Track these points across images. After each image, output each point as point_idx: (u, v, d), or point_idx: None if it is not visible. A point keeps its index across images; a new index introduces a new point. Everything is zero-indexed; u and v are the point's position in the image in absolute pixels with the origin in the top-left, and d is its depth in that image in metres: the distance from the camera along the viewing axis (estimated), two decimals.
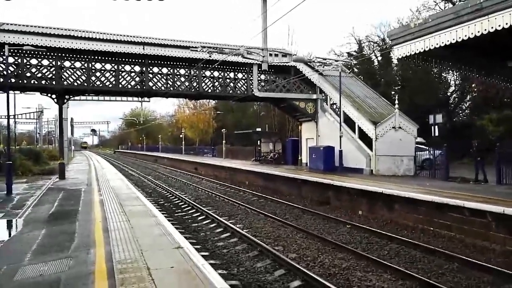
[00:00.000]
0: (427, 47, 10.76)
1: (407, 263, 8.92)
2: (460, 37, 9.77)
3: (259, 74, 24.70)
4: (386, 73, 39.23)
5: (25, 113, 54.51)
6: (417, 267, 8.66)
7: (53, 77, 20.40)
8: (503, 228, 9.58)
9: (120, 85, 21.80)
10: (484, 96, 31.02)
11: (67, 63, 20.84)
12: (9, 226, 10.22)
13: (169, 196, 20.78)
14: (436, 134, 18.76)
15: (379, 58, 41.15)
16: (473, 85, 34.10)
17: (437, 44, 10.43)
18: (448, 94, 38.71)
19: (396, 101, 21.24)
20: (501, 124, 26.39)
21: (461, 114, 39.11)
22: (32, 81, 20.09)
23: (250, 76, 24.40)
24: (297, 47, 54.14)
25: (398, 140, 20.67)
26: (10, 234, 9.35)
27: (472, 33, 9.47)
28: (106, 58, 21.41)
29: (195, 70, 22.98)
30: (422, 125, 21.72)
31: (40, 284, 5.71)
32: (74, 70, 20.98)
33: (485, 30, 9.14)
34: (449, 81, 38.73)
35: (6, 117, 16.93)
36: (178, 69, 23.07)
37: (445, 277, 8.04)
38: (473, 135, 25.53)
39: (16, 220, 10.69)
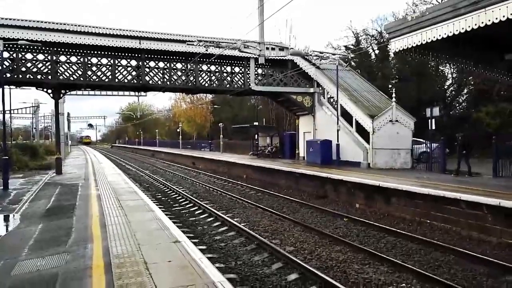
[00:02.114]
0: (424, 40, 10.72)
1: (404, 256, 8.96)
2: (457, 30, 9.73)
3: (256, 68, 24.61)
4: (383, 67, 39.17)
5: (21, 108, 54.25)
6: (414, 259, 8.71)
7: (49, 71, 20.27)
8: (500, 220, 9.64)
9: (117, 80, 21.68)
10: (481, 89, 31.06)
11: (62, 58, 20.70)
12: (6, 221, 10.22)
13: (166, 190, 20.76)
14: (433, 127, 18.78)
15: (376, 52, 41.08)
16: (470, 78, 34.15)
17: (434, 37, 10.39)
18: (445, 87, 38.73)
19: (393, 95, 21.24)
20: (497, 117, 26.46)
21: (458, 107, 39.16)
22: (27, 76, 19.96)
23: (247, 70, 24.31)
24: (294, 41, 53.98)
25: (395, 133, 20.69)
26: (7, 229, 9.35)
27: (469, 26, 9.43)
28: (102, 53, 21.27)
29: (191, 64, 22.87)
30: (419, 118, 21.74)
31: (37, 279, 5.71)
32: (70, 64, 20.84)
33: (482, 23, 9.11)
34: (446, 74, 38.73)
35: (2, 112, 16.80)
36: (174, 63, 22.95)
37: (442, 269, 8.08)
38: (470, 128, 25.61)
39: (13, 215, 10.68)
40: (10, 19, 19.41)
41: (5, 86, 17.97)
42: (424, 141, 21.43)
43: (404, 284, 7.29)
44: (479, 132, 26.25)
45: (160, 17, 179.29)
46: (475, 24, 9.28)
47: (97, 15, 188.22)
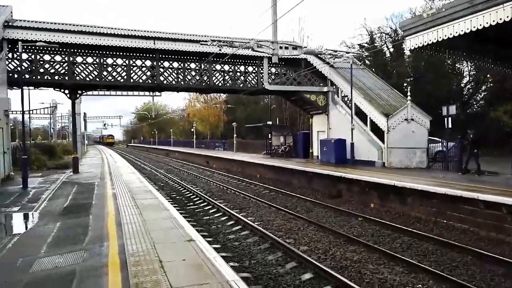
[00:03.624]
0: (440, 37, 10.55)
1: (420, 256, 8.85)
2: (474, 27, 9.55)
3: (269, 67, 24.56)
4: (398, 65, 38.70)
5: (40, 108, 55.19)
6: (430, 260, 8.60)
7: (66, 72, 20.63)
8: None
9: (132, 80, 21.94)
10: (500, 87, 30.39)
11: (79, 59, 21.04)
12: (26, 219, 10.43)
13: (181, 189, 20.93)
14: (450, 126, 18.45)
15: (391, 50, 40.63)
16: (488, 76, 33.45)
17: (450, 34, 10.22)
18: (462, 85, 38.04)
19: (409, 93, 20.94)
20: None
21: (475, 105, 38.41)
22: (45, 77, 20.36)
23: (260, 69, 24.30)
24: (308, 39, 53.69)
25: (410, 132, 20.42)
26: (26, 227, 9.55)
27: (487, 23, 9.25)
28: (118, 53, 21.54)
29: (205, 64, 22.98)
30: (435, 116, 21.38)
31: (55, 275, 5.82)
32: (86, 65, 21.17)
33: (501, 19, 8.92)
34: (463, 71, 38.04)
35: (21, 112, 17.18)
36: (188, 63, 23.09)
37: (459, 270, 7.96)
38: (487, 127, 25.04)
39: (32, 213, 10.89)
40: (29, 21, 19.88)
41: (24, 87, 18.37)
42: (440, 140, 21.08)
43: (420, 285, 7.20)
44: (497, 131, 25.70)
45: (159, 17, 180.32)
46: (493, 21, 9.09)
47: (97, 15, 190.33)
